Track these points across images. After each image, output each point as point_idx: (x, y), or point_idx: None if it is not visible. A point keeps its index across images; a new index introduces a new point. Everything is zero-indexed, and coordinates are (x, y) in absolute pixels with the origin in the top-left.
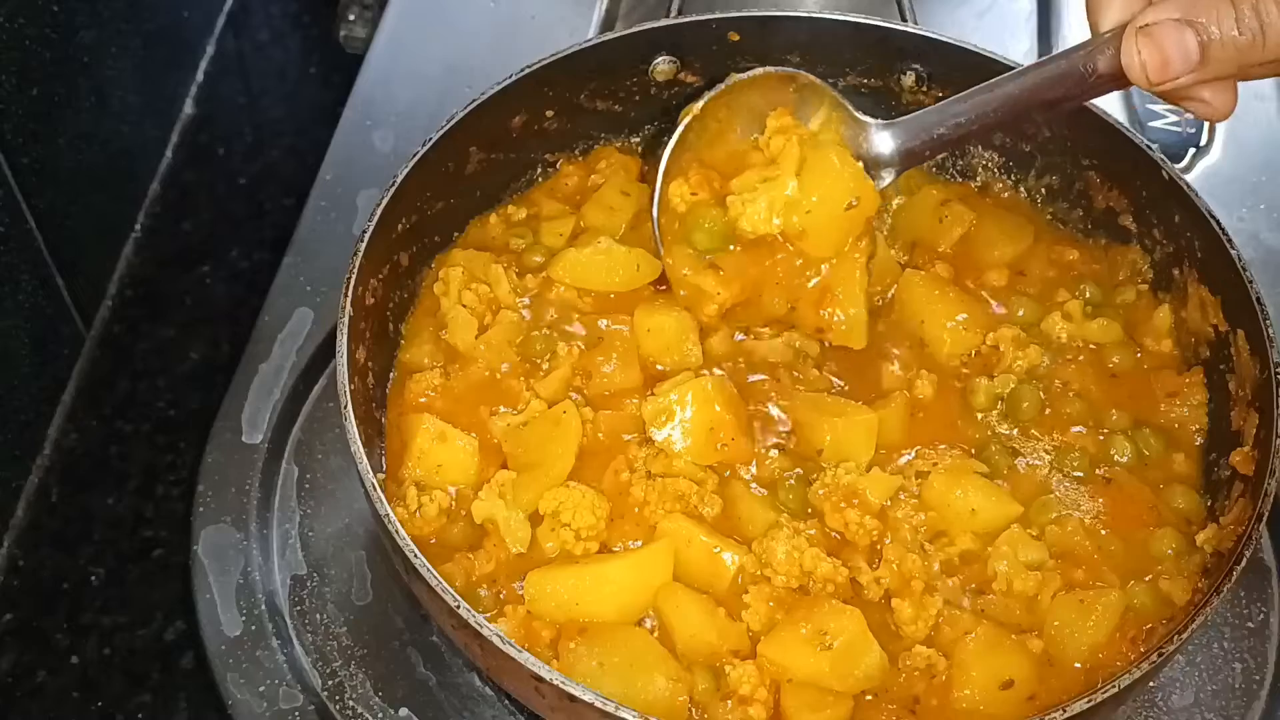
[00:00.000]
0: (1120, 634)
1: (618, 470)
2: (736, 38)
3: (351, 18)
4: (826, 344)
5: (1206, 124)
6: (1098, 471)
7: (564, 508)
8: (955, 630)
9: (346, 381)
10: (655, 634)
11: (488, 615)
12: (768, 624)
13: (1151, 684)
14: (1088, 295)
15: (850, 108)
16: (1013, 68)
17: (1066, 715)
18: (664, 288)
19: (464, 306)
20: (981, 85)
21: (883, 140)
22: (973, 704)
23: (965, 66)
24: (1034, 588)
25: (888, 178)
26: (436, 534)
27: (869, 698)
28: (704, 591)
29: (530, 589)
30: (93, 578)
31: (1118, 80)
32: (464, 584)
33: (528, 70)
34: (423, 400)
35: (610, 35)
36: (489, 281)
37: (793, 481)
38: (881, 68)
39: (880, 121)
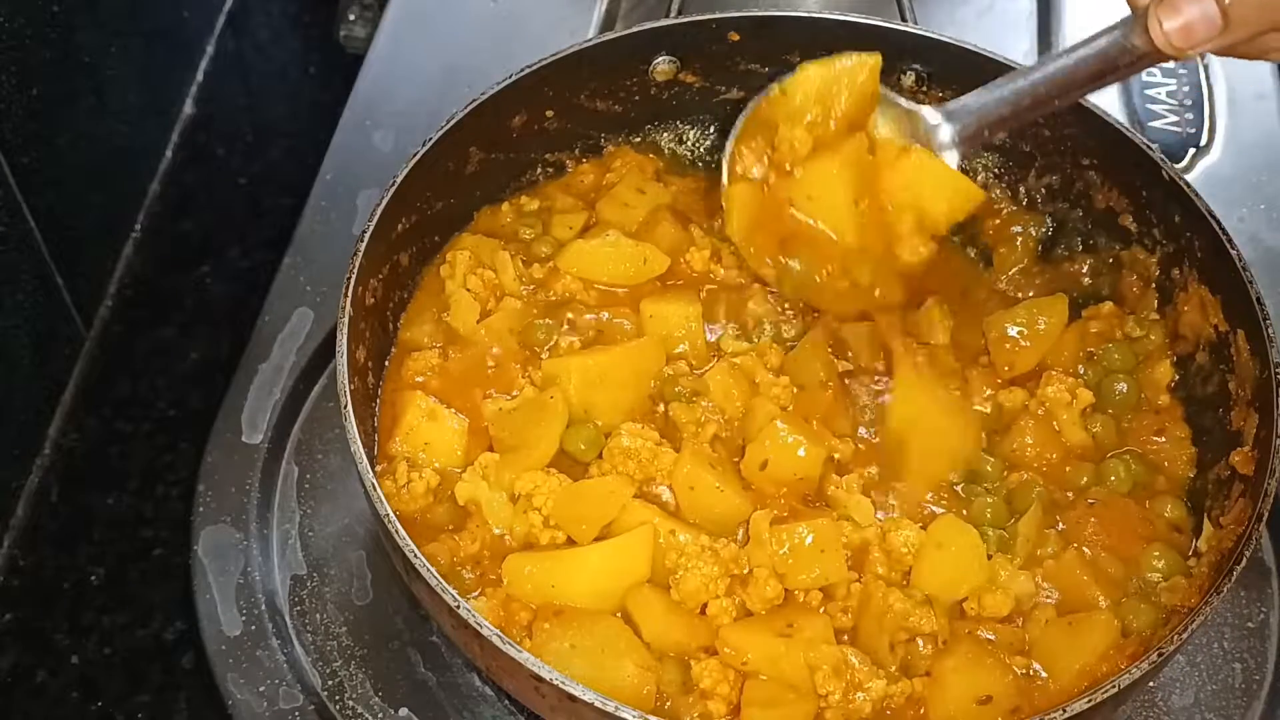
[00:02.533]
0: (1118, 651)
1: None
2: (736, 38)
3: (351, 18)
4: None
5: (1206, 124)
6: (1089, 502)
7: (538, 492)
8: (931, 650)
9: (346, 381)
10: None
11: (470, 595)
12: (737, 617)
13: (1151, 684)
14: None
15: (900, 100)
16: (1013, 67)
17: (1066, 715)
18: (675, 282)
19: (468, 290)
20: (1029, 66)
21: (941, 129)
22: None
23: (965, 66)
24: (1020, 610)
25: (952, 162)
26: (422, 513)
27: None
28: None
29: (508, 571)
30: (93, 578)
31: (1158, 53)
32: (447, 564)
33: (528, 70)
34: (419, 379)
35: (610, 35)
36: (495, 268)
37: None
38: (882, 68)
39: (933, 108)
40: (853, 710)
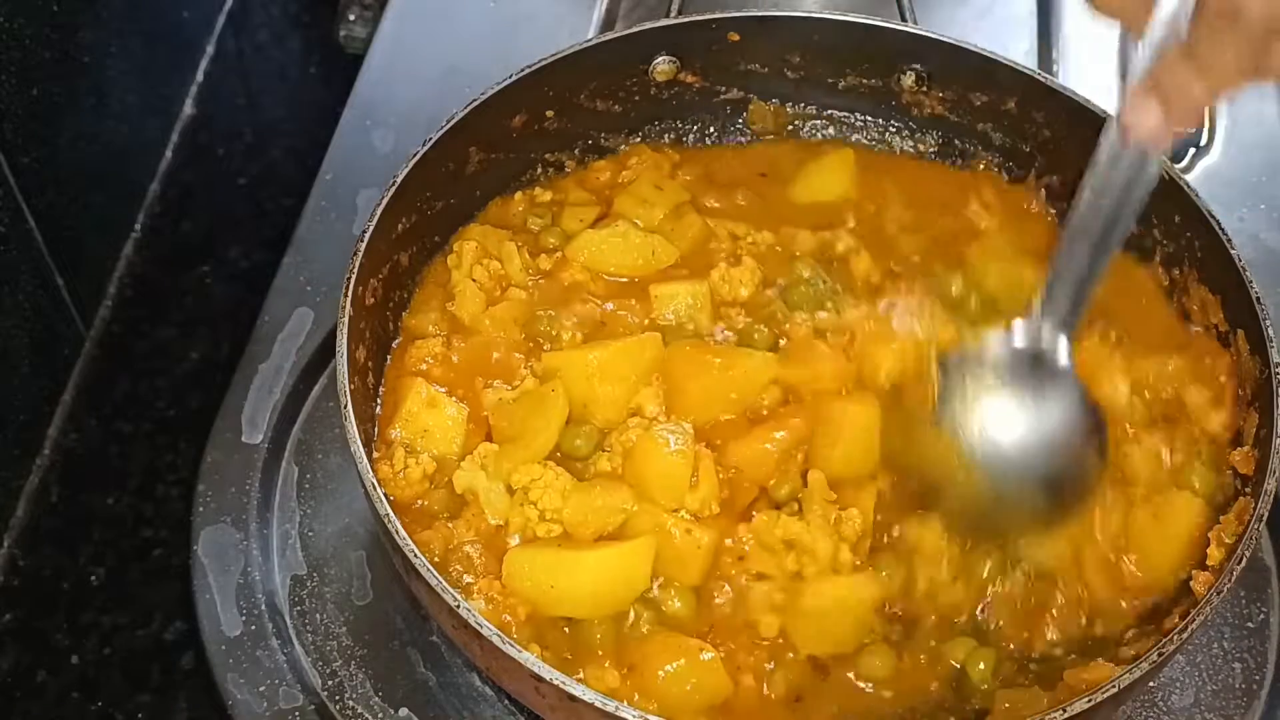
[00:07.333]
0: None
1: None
2: (736, 38)
3: (351, 18)
4: None
5: (1206, 124)
6: None
7: (535, 485)
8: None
9: (346, 381)
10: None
11: (461, 585)
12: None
13: (1151, 684)
14: None
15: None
16: (1013, 67)
17: (1067, 715)
18: (685, 272)
19: (474, 281)
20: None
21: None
22: None
23: (965, 66)
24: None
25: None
26: (418, 499)
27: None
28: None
29: (508, 566)
30: (93, 578)
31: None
32: (442, 552)
33: (528, 70)
34: (422, 367)
35: (610, 35)
36: (501, 258)
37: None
38: (881, 68)
39: (1020, 323)
40: None
